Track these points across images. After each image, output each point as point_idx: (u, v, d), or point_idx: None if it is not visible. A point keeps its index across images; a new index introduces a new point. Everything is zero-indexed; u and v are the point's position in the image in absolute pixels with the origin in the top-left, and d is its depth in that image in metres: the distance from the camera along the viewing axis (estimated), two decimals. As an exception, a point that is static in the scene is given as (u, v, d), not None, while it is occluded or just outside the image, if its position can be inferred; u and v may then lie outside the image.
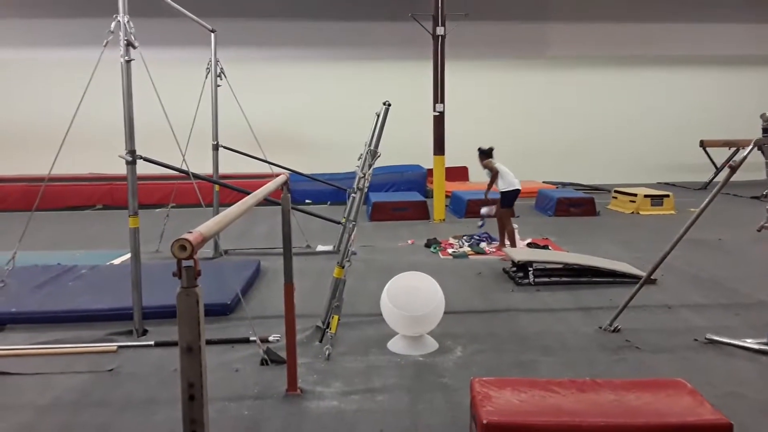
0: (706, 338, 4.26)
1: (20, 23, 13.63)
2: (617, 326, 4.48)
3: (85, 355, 4.14)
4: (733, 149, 12.92)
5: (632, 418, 2.43)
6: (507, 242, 7.21)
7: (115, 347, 4.24)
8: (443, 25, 9.49)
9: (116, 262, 6.85)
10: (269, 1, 14.04)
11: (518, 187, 7.22)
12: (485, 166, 7.37)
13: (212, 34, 7.00)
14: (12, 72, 13.74)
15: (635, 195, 10.51)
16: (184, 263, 1.50)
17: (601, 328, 4.54)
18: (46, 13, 13.60)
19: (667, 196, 10.46)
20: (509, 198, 7.21)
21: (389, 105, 5.51)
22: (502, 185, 7.22)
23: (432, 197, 10.16)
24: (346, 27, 14.29)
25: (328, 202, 11.64)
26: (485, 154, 7.36)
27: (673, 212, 10.20)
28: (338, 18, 14.25)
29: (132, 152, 4.39)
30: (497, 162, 7.31)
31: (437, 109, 9.68)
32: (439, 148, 9.80)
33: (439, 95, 9.62)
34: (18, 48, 13.72)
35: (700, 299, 5.31)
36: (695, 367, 3.81)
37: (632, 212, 10.32)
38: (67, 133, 4.16)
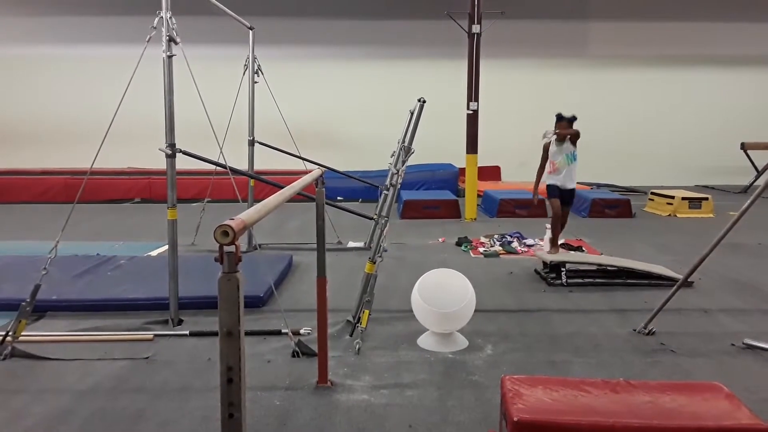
0: (743, 343, 4.16)
1: (68, 20, 14.08)
2: (652, 329, 4.41)
3: (122, 343, 4.25)
4: (775, 152, 12.57)
5: (667, 420, 2.39)
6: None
7: (152, 336, 4.34)
8: (479, 23, 9.44)
9: (153, 253, 7.01)
10: (307, 0, 14.17)
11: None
12: (563, 136, 6.26)
13: (250, 32, 7.09)
14: (58, 68, 14.18)
15: (672, 197, 10.30)
16: (226, 249, 1.54)
17: (635, 330, 4.48)
18: (93, 10, 14.01)
19: (706, 198, 10.22)
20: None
21: (424, 102, 5.51)
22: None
23: (464, 196, 10.12)
24: (382, 25, 14.33)
25: (360, 200, 11.69)
26: (569, 122, 6.30)
27: (711, 215, 9.97)
28: (374, 17, 14.29)
29: (172, 146, 4.49)
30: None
31: (471, 108, 9.64)
32: (472, 146, 9.76)
33: (473, 93, 9.58)
34: (65, 44, 14.17)
35: (738, 304, 5.19)
36: (732, 372, 3.73)
37: (669, 215, 10.12)
38: (109, 127, 4.26)
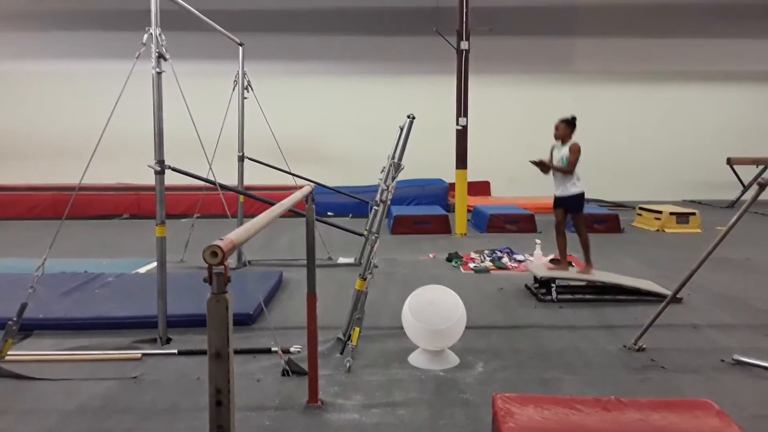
0: (733, 359, 4.17)
1: (56, 36, 14.09)
2: (642, 345, 4.41)
3: (110, 362, 4.19)
4: (761, 167, 12.72)
5: (658, 438, 2.40)
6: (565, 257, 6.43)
7: (140, 355, 4.29)
8: (467, 39, 9.53)
9: (142, 270, 6.95)
10: (296, 16, 14.26)
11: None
12: (563, 140, 6.06)
13: (240, 48, 7.11)
14: (46, 83, 14.13)
15: (660, 212, 10.38)
16: (215, 269, 1.53)
17: (625, 346, 4.48)
18: (81, 26, 14.04)
19: (693, 214, 10.31)
20: (582, 202, 6.18)
21: (413, 118, 5.54)
22: (576, 184, 6.07)
23: (453, 211, 10.15)
24: (371, 41, 14.43)
25: (350, 215, 11.69)
26: (571, 125, 6.09)
27: (699, 230, 10.05)
28: (363, 33, 14.41)
29: (161, 162, 4.47)
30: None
31: (460, 123, 9.70)
32: (461, 162, 9.81)
33: (462, 109, 9.65)
34: (53, 60, 14.16)
35: (727, 319, 5.21)
36: (722, 389, 3.73)
37: (657, 230, 10.19)
38: (98, 143, 4.24)
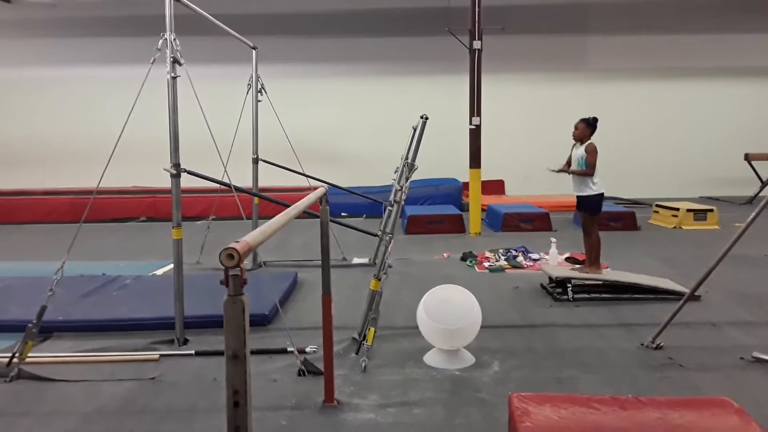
0: (752, 357, 4.13)
1: (72, 42, 14.27)
2: (660, 343, 4.38)
3: (128, 364, 4.24)
4: (779, 163, 12.55)
5: (676, 437, 2.38)
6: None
7: (158, 356, 4.34)
8: (480, 39, 9.51)
9: (159, 272, 7.01)
10: (308, 18, 14.31)
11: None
12: (582, 140, 6.07)
13: (254, 51, 7.15)
14: (62, 89, 14.31)
15: (677, 209, 10.27)
16: (232, 272, 1.54)
17: (643, 345, 4.45)
18: (97, 32, 14.21)
19: (711, 210, 10.19)
20: (600, 202, 6.19)
21: (426, 118, 5.54)
22: (592, 186, 6.05)
23: (468, 211, 10.13)
24: (383, 42, 14.44)
25: (364, 215, 11.70)
26: (591, 126, 6.07)
27: (716, 227, 9.93)
28: (375, 34, 14.41)
29: (176, 165, 4.51)
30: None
31: (474, 123, 9.68)
32: (475, 161, 9.79)
33: (475, 108, 9.63)
34: (69, 65, 14.34)
35: (746, 317, 5.15)
36: (741, 387, 3.70)
37: (674, 227, 10.09)
38: (115, 147, 4.29)
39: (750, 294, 5.84)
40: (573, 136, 6.17)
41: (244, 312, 1.55)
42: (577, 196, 6.22)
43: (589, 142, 6.03)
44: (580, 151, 6.06)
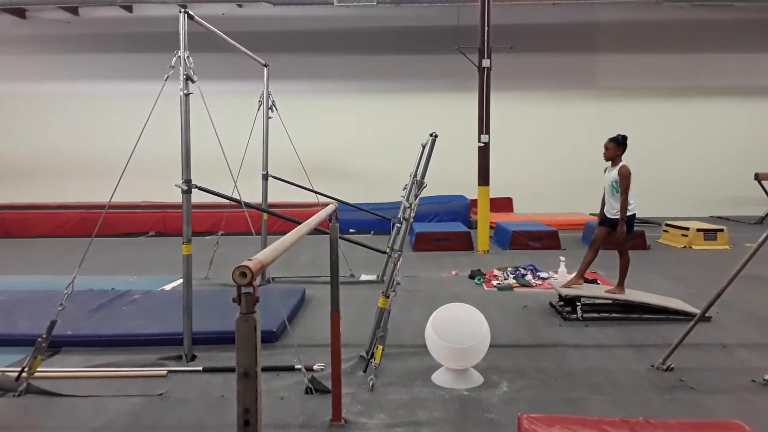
0: (764, 379, 4.08)
1: (85, 58, 14.50)
2: (670, 365, 4.34)
3: (136, 379, 4.24)
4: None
5: (689, 461, 2.35)
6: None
7: (165, 372, 4.34)
8: (489, 57, 9.57)
9: (168, 287, 7.03)
10: (319, 36, 14.46)
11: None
12: (613, 161, 5.84)
13: (265, 69, 7.23)
14: (75, 104, 14.50)
15: (687, 229, 10.22)
16: (244, 290, 1.55)
17: (653, 366, 4.41)
18: (110, 48, 14.44)
19: (721, 230, 10.12)
20: (632, 224, 5.95)
21: (436, 136, 5.56)
22: (628, 207, 5.80)
23: (476, 228, 10.12)
24: (393, 60, 14.55)
25: (372, 232, 11.71)
26: (621, 145, 5.84)
27: (727, 247, 9.86)
28: (385, 52, 14.54)
29: (188, 181, 4.55)
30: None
31: (482, 140, 9.70)
32: (483, 178, 9.80)
33: (484, 126, 9.66)
34: (82, 81, 14.54)
35: (758, 338, 5.10)
36: (753, 409, 3.65)
37: (684, 246, 10.03)
38: (128, 162, 4.33)
39: (761, 315, 5.78)
40: (604, 157, 6.02)
41: (256, 330, 1.56)
42: (608, 218, 5.96)
43: (622, 164, 5.80)
44: (612, 174, 5.86)
